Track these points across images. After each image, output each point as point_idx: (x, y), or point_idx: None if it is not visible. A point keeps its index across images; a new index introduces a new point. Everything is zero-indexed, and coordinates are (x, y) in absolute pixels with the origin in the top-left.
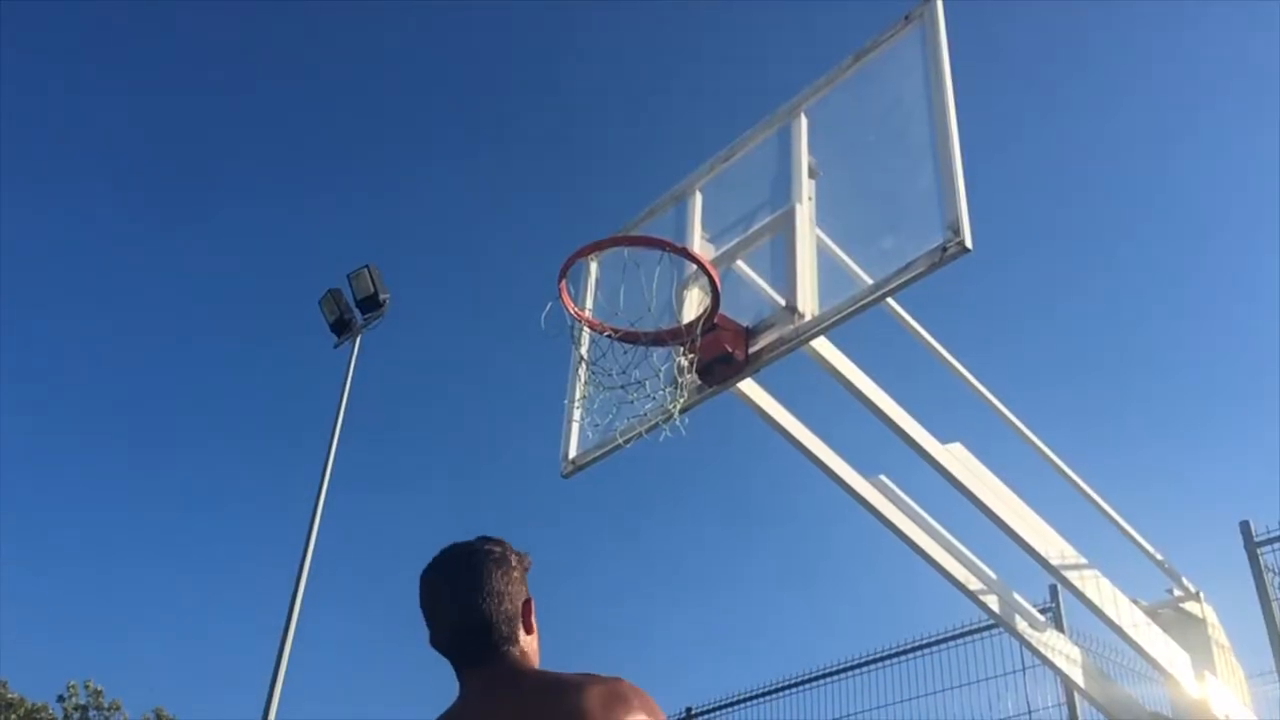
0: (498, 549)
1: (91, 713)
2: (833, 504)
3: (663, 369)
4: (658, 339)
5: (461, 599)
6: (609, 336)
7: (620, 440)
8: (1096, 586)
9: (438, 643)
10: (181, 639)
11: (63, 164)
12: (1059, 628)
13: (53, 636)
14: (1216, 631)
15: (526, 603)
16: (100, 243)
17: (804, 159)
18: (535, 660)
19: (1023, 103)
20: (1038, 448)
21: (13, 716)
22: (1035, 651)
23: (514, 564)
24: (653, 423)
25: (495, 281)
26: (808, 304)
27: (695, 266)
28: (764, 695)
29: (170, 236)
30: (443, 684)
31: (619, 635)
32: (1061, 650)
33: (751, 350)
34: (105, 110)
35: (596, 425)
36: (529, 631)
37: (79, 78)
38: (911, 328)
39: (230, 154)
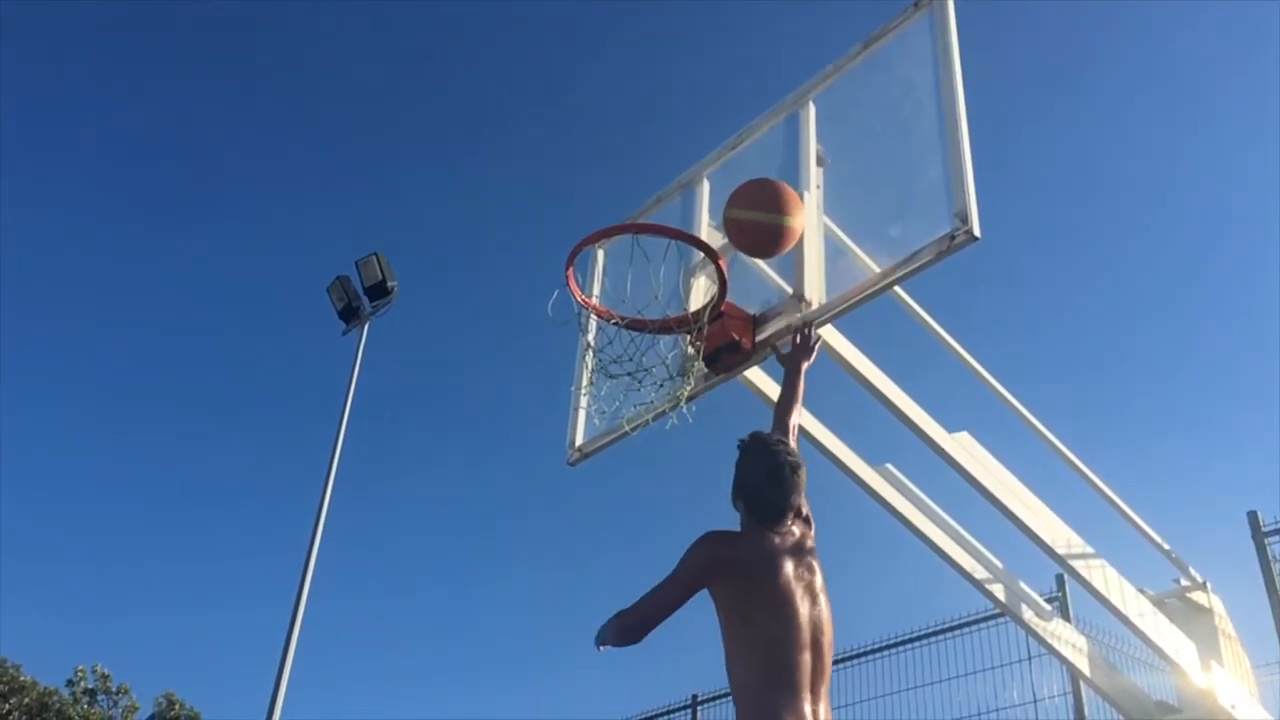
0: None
1: (100, 696)
2: (839, 492)
3: (670, 356)
4: (665, 327)
5: (790, 495)
6: (616, 324)
7: (627, 428)
8: (1103, 576)
9: (759, 512)
10: (190, 625)
11: (68, 150)
12: (1065, 617)
13: (62, 622)
14: (1223, 621)
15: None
16: (109, 233)
17: (812, 147)
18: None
19: (1031, 101)
20: (1046, 438)
21: (25, 700)
22: (1041, 641)
23: None
24: (660, 410)
25: (503, 269)
26: (815, 292)
27: (702, 254)
28: None
29: (178, 225)
30: (444, 669)
31: None
32: (1067, 639)
33: (758, 338)
34: (113, 100)
35: (603, 412)
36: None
37: (91, 64)
38: (920, 317)
39: (238, 143)
